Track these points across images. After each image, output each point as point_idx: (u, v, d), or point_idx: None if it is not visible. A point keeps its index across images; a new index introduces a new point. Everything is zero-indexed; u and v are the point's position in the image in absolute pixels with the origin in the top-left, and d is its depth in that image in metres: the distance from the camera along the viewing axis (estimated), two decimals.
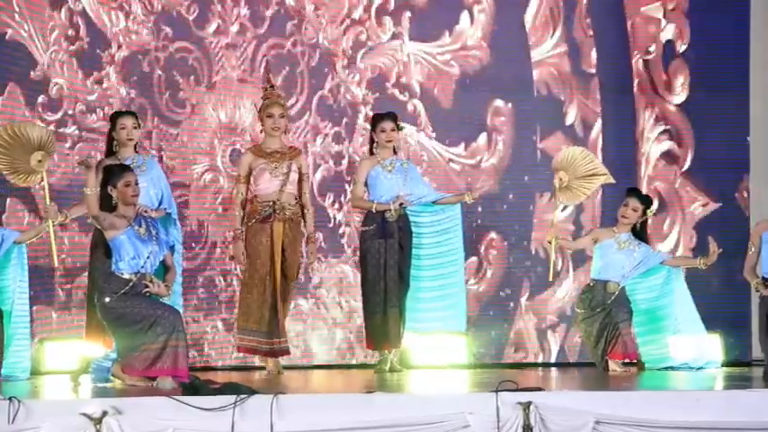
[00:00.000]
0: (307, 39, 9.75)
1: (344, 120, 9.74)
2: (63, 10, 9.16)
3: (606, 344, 8.67)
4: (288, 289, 8.46)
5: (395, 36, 9.89)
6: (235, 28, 9.61)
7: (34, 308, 8.67)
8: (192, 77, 9.49)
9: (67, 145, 9.09)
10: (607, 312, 8.70)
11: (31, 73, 9.04)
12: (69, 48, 9.15)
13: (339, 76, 9.75)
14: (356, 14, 9.85)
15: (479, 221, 9.91)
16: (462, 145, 10.01)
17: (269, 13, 9.70)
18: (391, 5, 9.90)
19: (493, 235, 10.01)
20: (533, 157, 10.09)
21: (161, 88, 9.44)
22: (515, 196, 10.05)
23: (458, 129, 10.01)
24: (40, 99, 9.06)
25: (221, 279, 9.43)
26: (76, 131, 9.14)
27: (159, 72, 9.43)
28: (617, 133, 10.20)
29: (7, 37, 8.95)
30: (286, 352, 8.44)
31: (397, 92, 9.85)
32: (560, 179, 8.81)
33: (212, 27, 9.59)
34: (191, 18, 9.54)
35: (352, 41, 9.82)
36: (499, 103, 10.08)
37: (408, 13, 9.91)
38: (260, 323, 8.32)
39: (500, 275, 10.01)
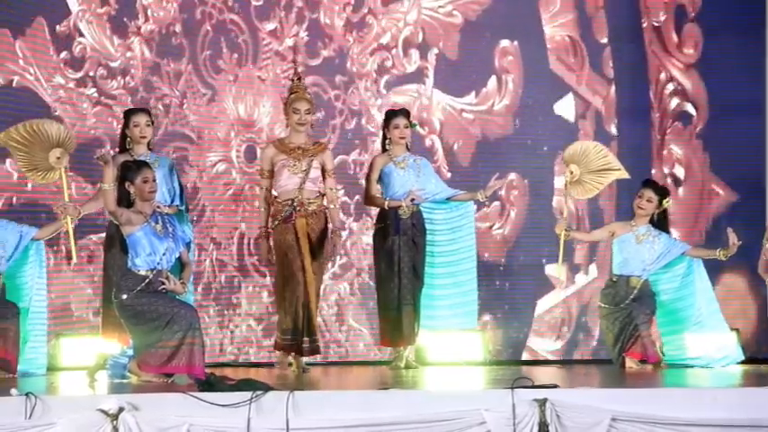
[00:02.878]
0: (350, 102, 9.75)
1: (356, 197, 9.58)
2: None
3: (625, 342, 8.64)
4: (318, 284, 8.31)
5: (419, 70, 9.97)
6: (290, 42, 9.56)
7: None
8: (235, 55, 9.48)
9: (84, 106, 9.11)
10: (628, 312, 8.66)
11: (57, 27, 9.06)
12: (98, 10, 9.19)
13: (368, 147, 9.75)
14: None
15: (498, 164, 9.96)
16: (473, 93, 10.03)
17: (325, 53, 9.70)
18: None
19: (512, 176, 10.04)
20: (546, 90, 10.11)
21: (204, 43, 9.42)
22: (531, 134, 10.07)
23: (466, 77, 10.03)
24: (63, 55, 9.09)
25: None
26: (95, 94, 9.17)
27: (208, 27, 9.42)
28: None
29: None
30: (317, 351, 8.32)
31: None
32: (571, 172, 8.76)
33: (270, 26, 9.57)
34: (254, 4, 9.54)
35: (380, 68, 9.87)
36: (505, 42, 10.09)
37: (435, 50, 9.95)
38: (295, 321, 8.19)
39: (523, 216, 10.05)
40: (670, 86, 10.32)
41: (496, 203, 9.98)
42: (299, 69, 8.63)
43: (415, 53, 9.97)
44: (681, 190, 10.21)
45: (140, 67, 9.32)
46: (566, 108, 10.16)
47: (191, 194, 9.20)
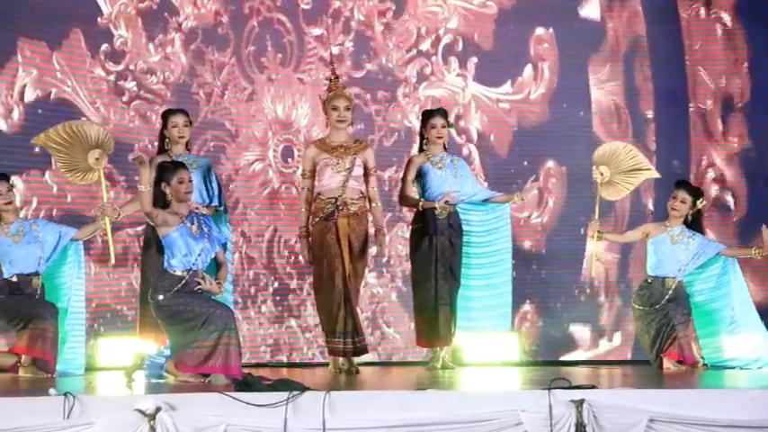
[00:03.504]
0: (390, 118, 9.74)
1: (389, 215, 9.55)
2: None
3: (662, 343, 8.60)
4: (357, 286, 8.30)
5: (459, 75, 9.97)
6: (335, 50, 9.53)
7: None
8: (279, 55, 9.50)
9: (124, 99, 9.17)
10: (665, 313, 8.62)
11: (99, 20, 9.14)
12: (139, 5, 9.25)
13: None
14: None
15: (535, 153, 9.93)
16: (509, 82, 10.01)
17: (369, 66, 9.72)
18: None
19: (550, 164, 10.00)
20: (582, 79, 10.05)
21: (249, 39, 9.45)
22: (568, 121, 10.03)
23: (502, 67, 10.02)
24: (103, 48, 9.16)
25: None
26: (135, 88, 9.23)
27: (255, 23, 9.46)
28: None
29: None
30: (364, 351, 8.30)
31: (453, 132, 9.77)
32: (601, 174, 8.71)
33: (316, 31, 9.58)
34: (302, 6, 9.55)
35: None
36: (540, 30, 10.06)
37: (475, 59, 9.95)
38: (338, 323, 8.16)
39: (561, 203, 10.04)
40: (711, 173, 10.20)
41: (534, 192, 9.94)
42: (342, 80, 8.63)
43: (454, 61, 9.97)
44: None
45: (180, 62, 9.36)
46: None
47: (223, 186, 9.24)
